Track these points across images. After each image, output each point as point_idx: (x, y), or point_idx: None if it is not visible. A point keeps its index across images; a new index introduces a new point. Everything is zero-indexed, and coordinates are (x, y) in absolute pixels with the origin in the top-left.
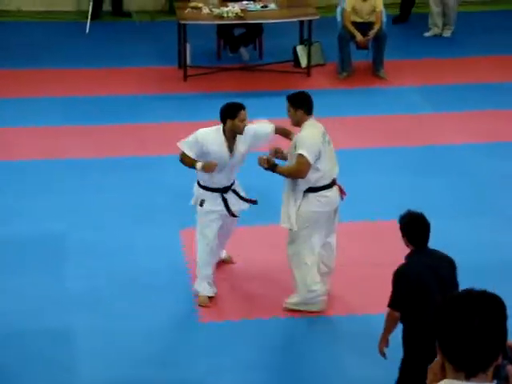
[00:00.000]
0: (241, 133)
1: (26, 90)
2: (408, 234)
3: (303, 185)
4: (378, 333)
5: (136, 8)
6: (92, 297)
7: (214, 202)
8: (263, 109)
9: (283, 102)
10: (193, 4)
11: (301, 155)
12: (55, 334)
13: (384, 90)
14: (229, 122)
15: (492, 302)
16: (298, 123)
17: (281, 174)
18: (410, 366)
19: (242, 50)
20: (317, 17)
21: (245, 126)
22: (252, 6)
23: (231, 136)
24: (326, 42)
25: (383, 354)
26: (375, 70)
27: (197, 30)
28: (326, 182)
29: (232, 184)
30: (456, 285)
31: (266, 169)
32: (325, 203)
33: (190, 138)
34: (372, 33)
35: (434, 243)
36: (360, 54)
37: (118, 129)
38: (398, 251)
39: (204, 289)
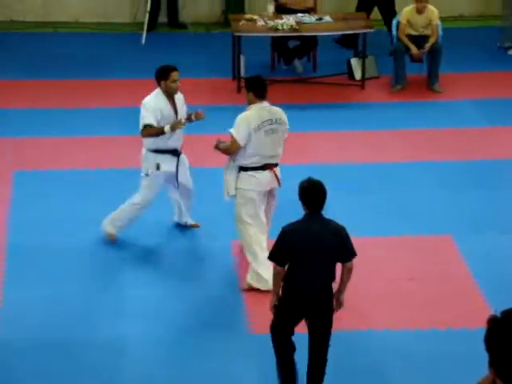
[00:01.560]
0: (175, 92)
1: (83, 100)
2: (302, 198)
3: (237, 161)
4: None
5: (191, 20)
6: (147, 307)
7: (169, 163)
8: (317, 121)
9: (337, 115)
10: (248, 16)
11: (230, 133)
12: (109, 344)
13: (439, 104)
14: (162, 84)
15: None
16: (248, 104)
17: (221, 151)
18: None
19: (297, 63)
20: (372, 30)
21: (177, 86)
22: (307, 19)
23: (169, 96)
24: (381, 55)
25: (272, 308)
26: (430, 83)
27: (251, 42)
28: (256, 164)
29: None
30: (341, 253)
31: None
32: (254, 183)
33: (143, 112)
34: (427, 46)
35: (492, 256)
36: (415, 67)
37: None
38: (448, 265)
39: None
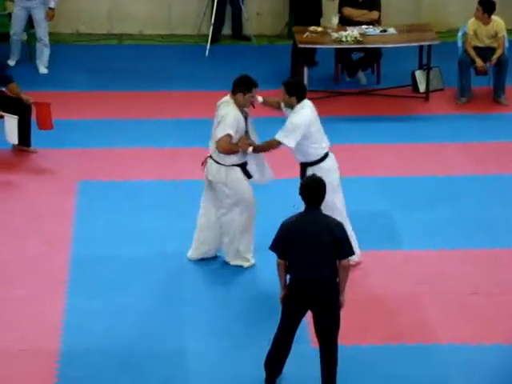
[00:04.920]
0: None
1: (145, 111)
2: (300, 194)
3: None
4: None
5: (255, 32)
6: (207, 319)
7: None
8: (381, 133)
9: (401, 127)
10: (312, 28)
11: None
12: (169, 355)
13: (504, 117)
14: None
15: None
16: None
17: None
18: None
19: (360, 75)
20: (437, 42)
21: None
22: (371, 31)
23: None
24: (446, 67)
25: (282, 299)
26: (496, 95)
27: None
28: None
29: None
30: (335, 249)
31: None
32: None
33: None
34: (494, 58)
35: None
36: (480, 80)
37: None
38: None
39: None
